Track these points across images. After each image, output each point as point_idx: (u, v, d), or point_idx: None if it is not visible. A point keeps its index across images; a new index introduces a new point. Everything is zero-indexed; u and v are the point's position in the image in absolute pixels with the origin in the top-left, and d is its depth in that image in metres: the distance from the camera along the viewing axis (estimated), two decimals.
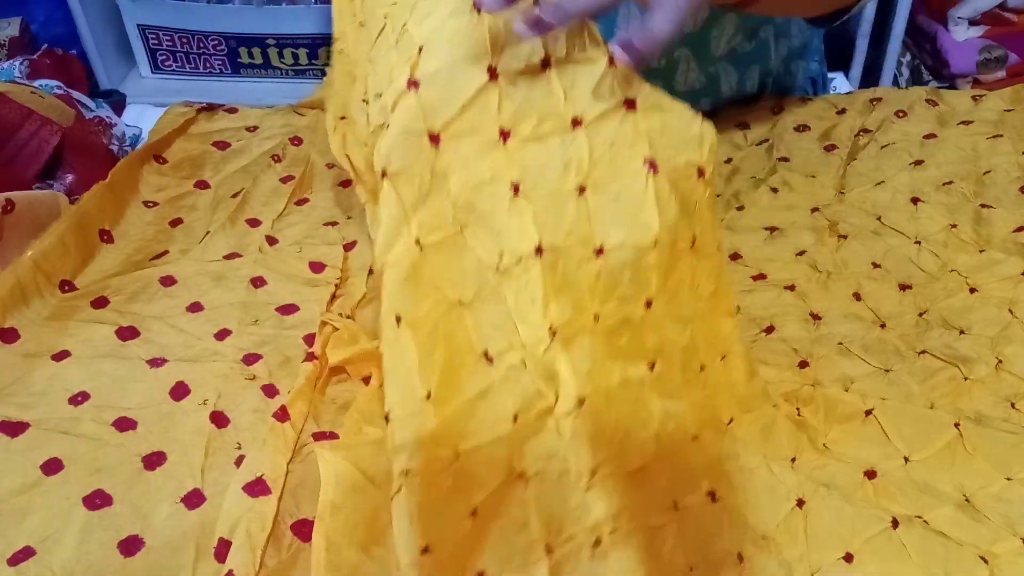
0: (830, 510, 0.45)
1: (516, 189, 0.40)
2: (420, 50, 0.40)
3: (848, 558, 0.43)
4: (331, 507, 0.41)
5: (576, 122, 0.41)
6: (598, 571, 0.40)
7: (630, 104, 0.41)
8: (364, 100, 0.45)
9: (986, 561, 0.42)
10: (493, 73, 0.40)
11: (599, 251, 0.40)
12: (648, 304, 0.41)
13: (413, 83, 0.39)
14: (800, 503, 0.45)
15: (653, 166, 0.41)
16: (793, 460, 0.48)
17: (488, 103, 0.40)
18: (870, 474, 0.45)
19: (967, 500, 0.46)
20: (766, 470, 0.46)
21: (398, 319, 0.39)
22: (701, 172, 0.41)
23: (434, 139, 0.39)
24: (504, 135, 0.40)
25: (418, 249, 0.40)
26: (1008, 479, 0.46)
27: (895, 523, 0.44)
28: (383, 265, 0.39)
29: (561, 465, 0.41)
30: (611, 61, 0.40)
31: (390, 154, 0.39)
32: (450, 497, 0.39)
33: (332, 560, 0.40)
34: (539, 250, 0.40)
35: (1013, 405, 0.51)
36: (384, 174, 0.39)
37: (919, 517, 0.44)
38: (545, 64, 0.40)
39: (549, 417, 0.41)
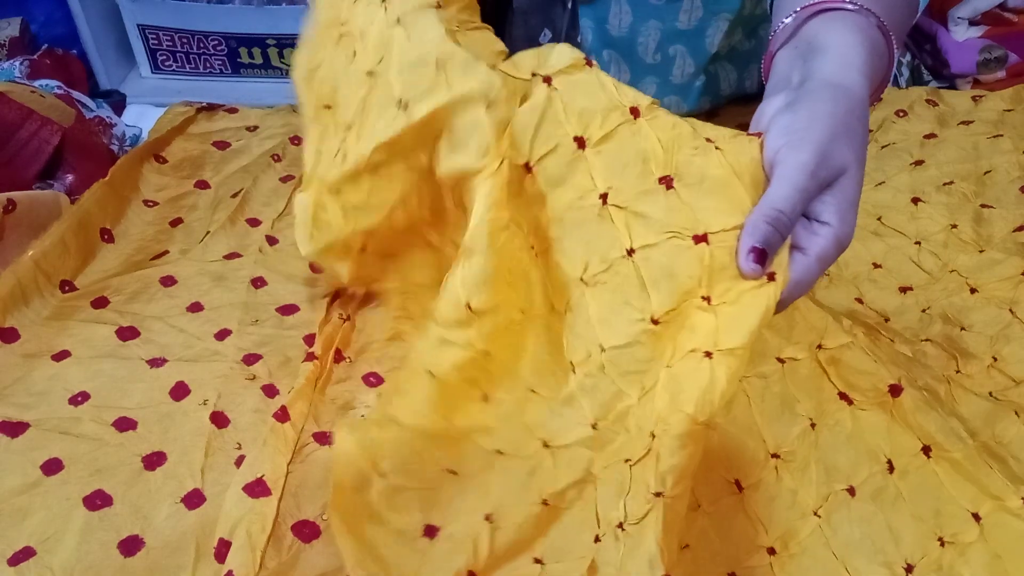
0: (838, 439, 0.45)
1: (604, 198, 0.41)
2: None
3: (851, 491, 0.44)
4: (338, 487, 0.42)
5: (635, 111, 0.41)
6: (623, 554, 0.40)
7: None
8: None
9: (978, 518, 0.43)
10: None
11: (701, 237, 0.39)
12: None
13: None
14: (812, 424, 0.46)
15: (713, 143, 0.41)
16: (819, 347, 0.48)
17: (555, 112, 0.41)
18: (895, 389, 0.45)
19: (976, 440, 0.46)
20: (781, 382, 0.46)
21: (523, 311, 0.41)
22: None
23: (526, 168, 0.41)
24: (580, 142, 0.41)
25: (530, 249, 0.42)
26: (997, 442, 0.47)
27: (891, 467, 0.44)
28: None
29: (619, 456, 0.42)
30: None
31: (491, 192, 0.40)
32: (525, 481, 0.41)
33: (351, 528, 0.40)
34: (631, 251, 0.41)
35: (991, 395, 0.51)
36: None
37: (926, 451, 0.45)
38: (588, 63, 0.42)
39: (628, 417, 0.42)
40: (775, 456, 0.45)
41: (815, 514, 0.43)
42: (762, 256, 0.37)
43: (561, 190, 0.41)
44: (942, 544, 0.42)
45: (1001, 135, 0.70)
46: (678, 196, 0.40)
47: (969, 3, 0.81)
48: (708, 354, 0.40)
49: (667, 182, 0.40)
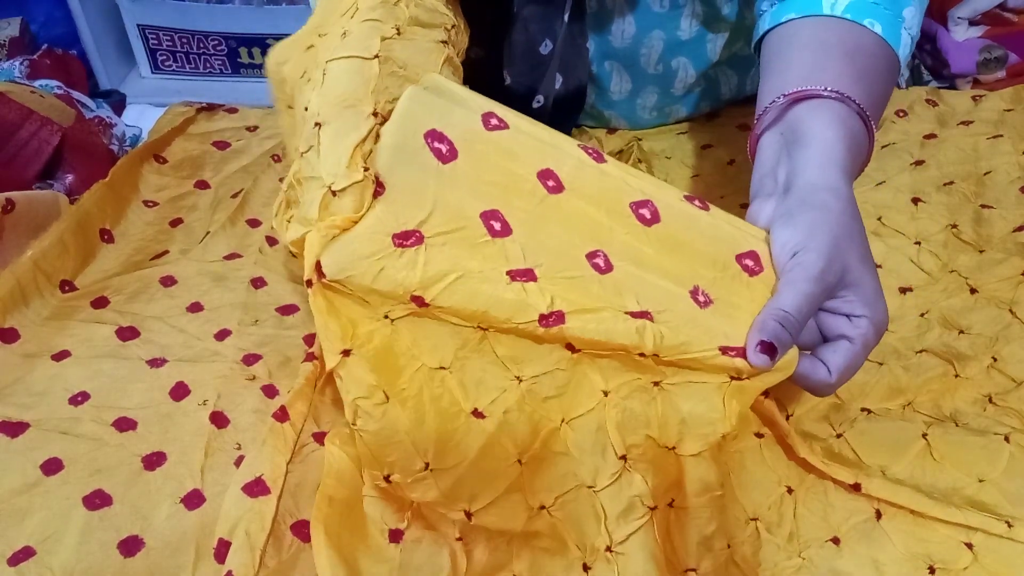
0: (817, 499, 0.46)
1: (527, 275, 0.40)
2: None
3: (835, 541, 0.44)
4: (328, 499, 0.42)
5: (556, 188, 0.41)
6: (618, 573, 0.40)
7: (598, 156, 0.43)
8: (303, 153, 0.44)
9: (970, 546, 0.43)
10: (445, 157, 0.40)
11: (638, 314, 0.40)
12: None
13: (379, 185, 0.39)
14: (789, 490, 0.46)
15: (650, 209, 0.42)
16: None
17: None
18: (855, 487, 0.46)
19: (953, 491, 0.46)
20: (758, 455, 0.46)
21: (386, 395, 0.40)
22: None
23: (408, 237, 0.39)
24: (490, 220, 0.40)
25: (388, 323, 0.40)
26: (980, 481, 0.46)
27: (878, 515, 0.44)
28: (352, 348, 0.39)
29: (574, 480, 0.42)
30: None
31: (342, 265, 0.38)
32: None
33: (332, 542, 0.40)
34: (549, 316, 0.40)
35: (991, 399, 0.51)
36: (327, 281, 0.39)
37: (904, 507, 0.45)
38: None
39: (555, 439, 0.42)
40: (753, 519, 0.45)
41: (800, 556, 0.43)
42: (770, 349, 0.39)
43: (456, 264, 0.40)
44: (932, 572, 0.42)
45: (1001, 135, 0.70)
46: (615, 276, 0.40)
47: (969, 3, 0.81)
48: (656, 384, 0.42)
49: (601, 259, 0.41)
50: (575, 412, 0.42)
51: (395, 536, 0.42)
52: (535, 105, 0.65)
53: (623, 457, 0.42)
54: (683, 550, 0.42)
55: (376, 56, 0.42)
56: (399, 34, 0.45)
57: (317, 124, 0.41)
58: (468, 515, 0.41)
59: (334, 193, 0.39)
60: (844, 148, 0.44)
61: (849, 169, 0.44)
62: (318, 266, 0.38)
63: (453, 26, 0.49)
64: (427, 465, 0.40)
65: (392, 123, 0.41)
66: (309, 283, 0.39)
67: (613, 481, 0.41)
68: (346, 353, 0.39)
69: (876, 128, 0.47)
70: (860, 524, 0.44)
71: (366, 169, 0.40)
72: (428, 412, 0.40)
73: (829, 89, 0.45)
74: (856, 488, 0.45)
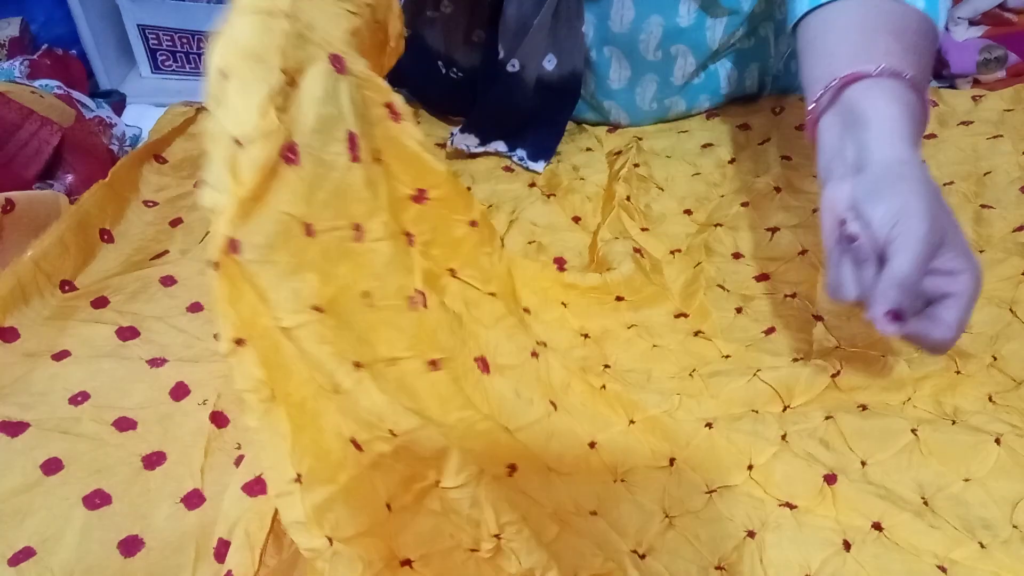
0: (783, 539, 0.44)
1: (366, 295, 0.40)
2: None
3: None
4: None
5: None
6: None
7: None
8: None
9: (944, 570, 0.42)
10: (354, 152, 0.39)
11: (432, 363, 0.42)
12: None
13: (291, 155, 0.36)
14: (751, 534, 0.44)
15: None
16: (750, 468, 0.47)
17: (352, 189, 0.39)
18: (830, 479, 0.45)
19: (925, 503, 0.45)
20: (715, 506, 0.46)
21: (272, 392, 0.38)
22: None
23: (307, 229, 0.37)
24: (358, 229, 0.40)
25: (280, 330, 0.38)
26: (966, 480, 0.46)
27: (847, 545, 0.43)
28: (246, 338, 0.37)
29: (447, 542, 0.41)
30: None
31: (255, 236, 0.35)
32: None
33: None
34: (392, 361, 0.41)
35: (991, 398, 0.51)
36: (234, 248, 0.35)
37: (876, 527, 0.44)
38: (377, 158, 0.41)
39: (429, 497, 0.41)
40: (719, 568, 0.43)
41: None
42: (897, 316, 0.41)
43: (333, 272, 0.39)
44: None
45: (1001, 135, 0.70)
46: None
47: (969, 3, 0.81)
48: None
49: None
50: (449, 483, 0.41)
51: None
52: (509, 69, 0.65)
53: (497, 535, 0.40)
54: None
55: (284, 13, 0.38)
56: None
57: (222, 74, 0.36)
58: (330, 541, 0.38)
59: (240, 143, 0.34)
60: (907, 122, 0.45)
61: (915, 140, 0.46)
62: (233, 244, 0.34)
63: (368, 4, 0.47)
64: (299, 477, 0.38)
65: (315, 95, 0.38)
66: (216, 265, 0.35)
67: (491, 556, 0.40)
68: (239, 342, 0.36)
69: (927, 95, 0.48)
70: (831, 558, 0.43)
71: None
72: (309, 424, 0.38)
73: (881, 67, 0.46)
74: (830, 480, 0.45)
